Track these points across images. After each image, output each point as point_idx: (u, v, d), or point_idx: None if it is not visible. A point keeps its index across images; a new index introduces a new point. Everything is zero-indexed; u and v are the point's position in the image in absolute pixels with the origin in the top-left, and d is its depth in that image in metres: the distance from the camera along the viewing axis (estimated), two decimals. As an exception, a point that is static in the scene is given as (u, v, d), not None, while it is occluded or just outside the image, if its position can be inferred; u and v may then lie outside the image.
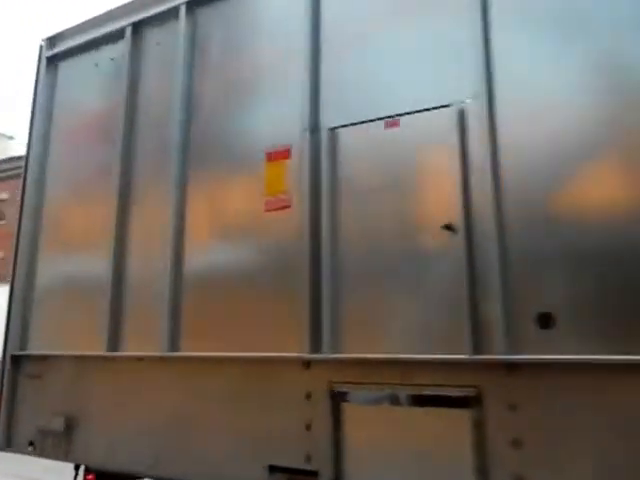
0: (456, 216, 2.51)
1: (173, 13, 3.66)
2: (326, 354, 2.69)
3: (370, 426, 2.56)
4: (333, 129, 2.89)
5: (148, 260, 3.38)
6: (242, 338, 2.91)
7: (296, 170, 2.95)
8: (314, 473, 2.64)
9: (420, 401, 2.49)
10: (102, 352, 3.42)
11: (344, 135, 2.86)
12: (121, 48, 3.90)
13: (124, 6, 3.94)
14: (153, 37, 3.78)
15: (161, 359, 3.18)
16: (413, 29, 2.82)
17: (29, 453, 3.68)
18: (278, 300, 2.87)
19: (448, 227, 2.53)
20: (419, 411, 2.49)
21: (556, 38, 2.47)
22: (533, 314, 2.31)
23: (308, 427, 2.70)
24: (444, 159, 2.59)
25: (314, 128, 2.93)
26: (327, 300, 2.74)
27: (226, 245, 3.14)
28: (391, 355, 2.57)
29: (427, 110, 2.68)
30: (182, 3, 3.62)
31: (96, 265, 3.57)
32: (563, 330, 2.23)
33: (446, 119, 2.61)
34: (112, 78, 3.90)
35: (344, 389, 2.64)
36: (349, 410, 2.60)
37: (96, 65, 4.02)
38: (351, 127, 2.86)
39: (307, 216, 2.85)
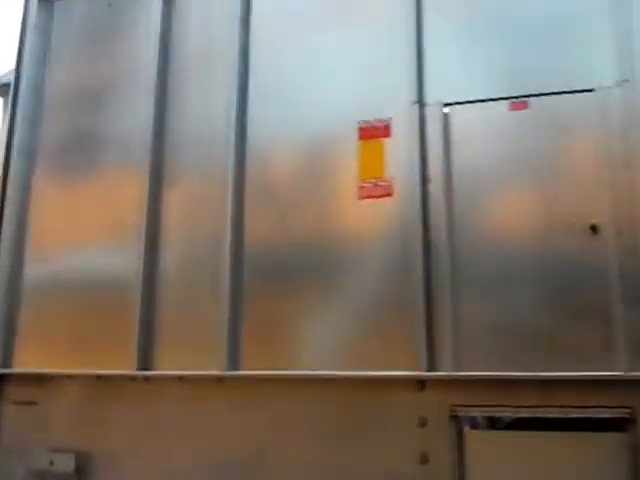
0: (602, 215, 2.14)
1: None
2: (447, 372, 2.25)
3: (502, 457, 2.15)
4: (447, 105, 2.41)
5: (192, 255, 2.72)
6: (329, 353, 2.37)
7: (398, 151, 2.45)
8: None
9: (565, 425, 2.13)
10: (130, 371, 2.69)
11: (458, 113, 2.40)
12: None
13: None
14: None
15: (218, 380, 2.55)
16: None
17: None
18: (382, 308, 2.38)
19: (593, 228, 2.18)
20: (563, 437, 2.13)
21: None
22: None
23: (424, 461, 2.24)
24: (588, 148, 2.22)
25: (421, 102, 2.44)
26: (444, 308, 2.29)
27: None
28: (530, 373, 2.17)
29: (565, 93, 2.28)
30: None
31: (118, 260, 2.84)
32: None
33: (590, 104, 2.24)
34: (132, 23, 3.10)
35: (469, 413, 2.21)
36: (475, 438, 2.18)
37: (109, 5, 3.18)
38: (467, 105, 2.39)
39: (418, 208, 2.35)
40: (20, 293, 3.05)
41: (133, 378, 2.72)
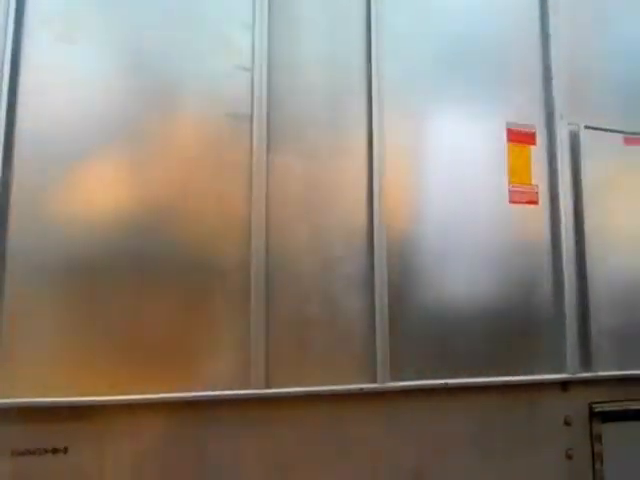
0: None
1: None
2: (590, 373, 2.50)
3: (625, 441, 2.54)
4: (586, 128, 2.66)
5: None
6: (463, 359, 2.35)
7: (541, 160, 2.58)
8: None
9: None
10: (255, 390, 2.07)
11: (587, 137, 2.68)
12: None
13: None
14: None
15: (367, 394, 2.20)
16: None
17: None
18: (517, 310, 2.47)
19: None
20: None
21: None
22: None
23: (569, 457, 2.45)
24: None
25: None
26: (571, 305, 2.54)
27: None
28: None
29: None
30: None
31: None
32: None
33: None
34: None
35: (606, 408, 2.52)
36: (611, 430, 2.51)
37: None
38: (598, 132, 2.69)
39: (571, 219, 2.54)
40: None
41: (248, 400, 2.05)
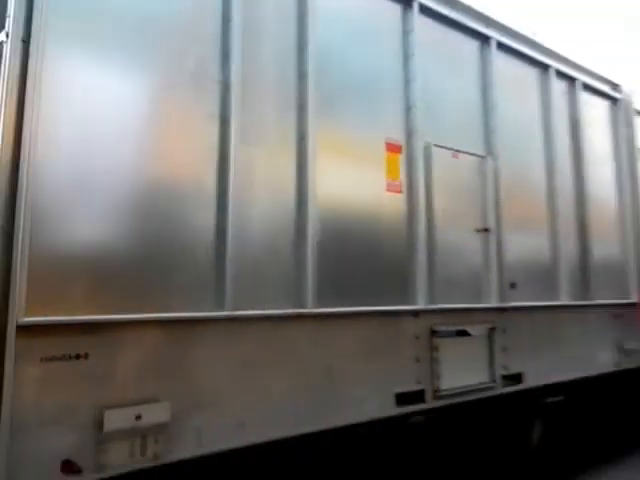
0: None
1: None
2: (428, 305, 3.87)
3: (452, 350, 3.96)
4: (434, 145, 4.05)
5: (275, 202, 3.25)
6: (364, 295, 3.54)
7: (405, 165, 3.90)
8: (422, 391, 3.78)
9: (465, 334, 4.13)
10: (217, 312, 2.93)
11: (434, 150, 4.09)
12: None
13: None
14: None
15: (299, 316, 3.26)
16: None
17: None
18: (391, 265, 3.74)
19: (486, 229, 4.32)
20: (469, 339, 4.11)
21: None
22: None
23: (417, 360, 3.79)
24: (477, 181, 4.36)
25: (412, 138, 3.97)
26: (422, 262, 3.88)
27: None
28: (461, 305, 4.09)
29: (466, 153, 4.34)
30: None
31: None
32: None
33: (484, 163, 4.40)
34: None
35: (438, 328, 3.91)
36: (441, 343, 3.92)
37: None
38: (440, 148, 4.12)
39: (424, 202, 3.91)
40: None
41: (216, 320, 2.92)
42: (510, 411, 4.56)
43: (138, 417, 2.57)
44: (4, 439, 2.25)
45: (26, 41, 2.48)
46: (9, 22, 2.47)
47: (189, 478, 2.83)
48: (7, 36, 2.45)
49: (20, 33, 2.47)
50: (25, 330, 2.34)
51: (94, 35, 2.73)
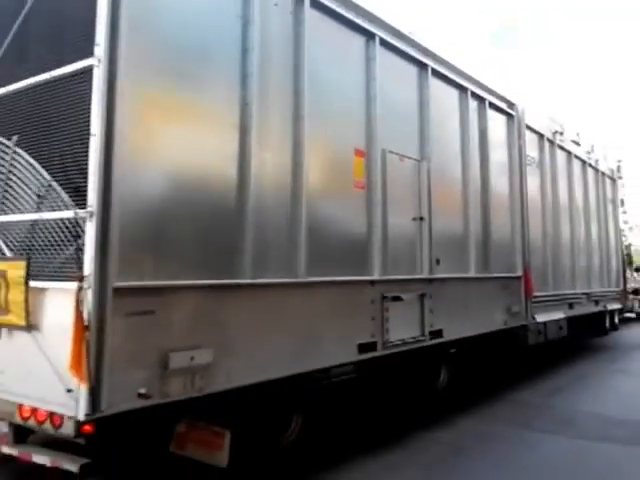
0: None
1: None
2: (381, 276, 5.09)
3: (396, 311, 5.23)
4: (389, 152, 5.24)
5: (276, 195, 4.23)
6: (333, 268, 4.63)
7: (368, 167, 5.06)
8: (374, 343, 5.00)
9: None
10: (244, 279, 3.89)
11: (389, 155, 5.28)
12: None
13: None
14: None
15: (297, 285, 4.31)
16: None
17: (135, 406, 3.17)
18: (356, 244, 4.91)
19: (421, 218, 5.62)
20: (408, 303, 5.40)
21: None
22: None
23: (373, 318, 5.02)
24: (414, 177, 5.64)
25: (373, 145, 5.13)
26: (378, 244, 5.09)
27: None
28: (403, 276, 5.37)
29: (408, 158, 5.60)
30: None
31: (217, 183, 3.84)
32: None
33: (420, 166, 5.68)
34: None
35: (387, 294, 5.15)
36: (390, 306, 5.16)
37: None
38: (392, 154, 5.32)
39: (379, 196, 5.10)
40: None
41: (244, 286, 3.90)
42: (426, 359, 5.95)
43: (192, 358, 3.45)
44: (107, 373, 3.04)
45: (112, 65, 3.17)
46: (99, 49, 3.15)
47: (219, 406, 3.76)
48: (99, 61, 3.13)
49: (107, 58, 3.16)
50: (116, 292, 3.12)
51: (161, 61, 3.46)
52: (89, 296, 3.01)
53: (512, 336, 7.43)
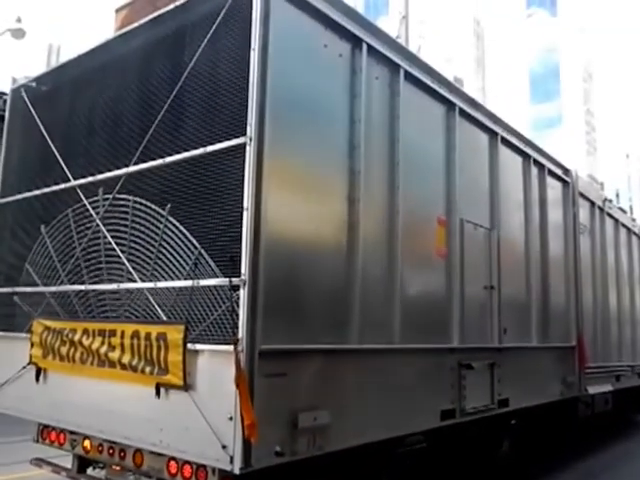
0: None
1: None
2: (459, 344, 5.91)
3: (471, 379, 6.00)
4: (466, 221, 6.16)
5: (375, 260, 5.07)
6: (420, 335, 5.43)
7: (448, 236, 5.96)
8: (454, 410, 5.77)
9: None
10: (354, 345, 4.64)
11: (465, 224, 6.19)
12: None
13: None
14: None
15: (393, 351, 5.10)
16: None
17: (272, 463, 3.83)
18: (436, 312, 5.75)
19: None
20: (480, 371, 6.21)
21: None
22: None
23: (452, 386, 5.80)
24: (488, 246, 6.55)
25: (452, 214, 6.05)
26: (457, 311, 5.93)
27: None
28: (480, 345, 6.20)
29: (481, 227, 6.53)
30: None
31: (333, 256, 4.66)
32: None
33: (490, 234, 6.59)
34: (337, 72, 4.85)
35: (465, 362, 5.95)
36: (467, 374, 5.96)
37: (325, 46, 4.71)
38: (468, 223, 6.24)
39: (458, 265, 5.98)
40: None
41: (354, 351, 4.68)
42: (490, 428, 6.70)
43: (315, 419, 4.18)
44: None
45: (260, 143, 3.99)
46: (250, 129, 3.97)
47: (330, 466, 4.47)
48: (250, 139, 3.95)
49: (256, 137, 3.98)
50: (261, 354, 3.86)
51: (291, 136, 4.33)
52: (242, 358, 3.75)
53: (563, 409, 8.23)
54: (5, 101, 6.19)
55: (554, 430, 8.42)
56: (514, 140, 7.35)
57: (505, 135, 7.12)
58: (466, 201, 6.21)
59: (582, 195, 8.89)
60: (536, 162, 7.83)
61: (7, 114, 6.03)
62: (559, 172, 8.53)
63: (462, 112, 6.33)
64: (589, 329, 8.74)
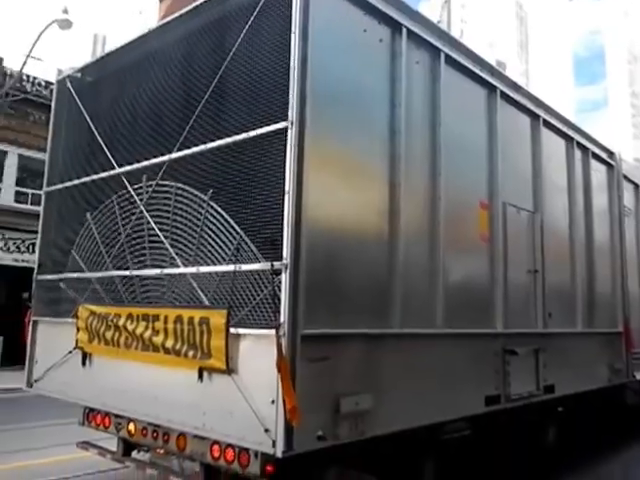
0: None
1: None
2: (503, 329, 5.74)
3: (515, 365, 5.83)
4: (508, 204, 5.97)
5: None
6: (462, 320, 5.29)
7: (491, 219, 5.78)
8: (498, 396, 5.62)
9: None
10: (396, 329, 4.55)
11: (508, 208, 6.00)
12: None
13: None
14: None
15: (436, 335, 4.98)
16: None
17: (315, 447, 3.79)
18: (478, 296, 5.59)
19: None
20: (524, 356, 6.02)
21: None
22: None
23: (496, 372, 5.64)
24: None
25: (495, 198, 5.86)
26: (500, 296, 5.76)
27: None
28: (524, 330, 6.01)
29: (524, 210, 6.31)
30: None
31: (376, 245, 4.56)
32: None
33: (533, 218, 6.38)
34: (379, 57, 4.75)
35: (509, 348, 5.78)
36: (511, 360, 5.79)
37: (364, 31, 4.61)
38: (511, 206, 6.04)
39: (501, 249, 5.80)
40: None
41: (396, 335, 4.58)
42: (536, 416, 6.52)
43: (357, 403, 4.12)
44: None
45: (301, 126, 3.93)
46: (291, 113, 3.91)
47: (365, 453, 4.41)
48: (292, 123, 3.89)
49: (297, 120, 3.91)
50: (303, 339, 3.81)
51: (331, 121, 4.25)
52: (284, 343, 3.71)
53: (611, 395, 7.98)
54: (52, 91, 6.29)
55: (601, 418, 8.17)
56: (557, 123, 7.11)
57: (547, 118, 6.89)
58: (508, 184, 6.03)
59: (626, 178, 8.55)
60: (579, 145, 7.56)
61: (53, 104, 6.13)
62: (603, 155, 8.22)
63: (503, 95, 6.14)
64: (635, 314, 8.44)
